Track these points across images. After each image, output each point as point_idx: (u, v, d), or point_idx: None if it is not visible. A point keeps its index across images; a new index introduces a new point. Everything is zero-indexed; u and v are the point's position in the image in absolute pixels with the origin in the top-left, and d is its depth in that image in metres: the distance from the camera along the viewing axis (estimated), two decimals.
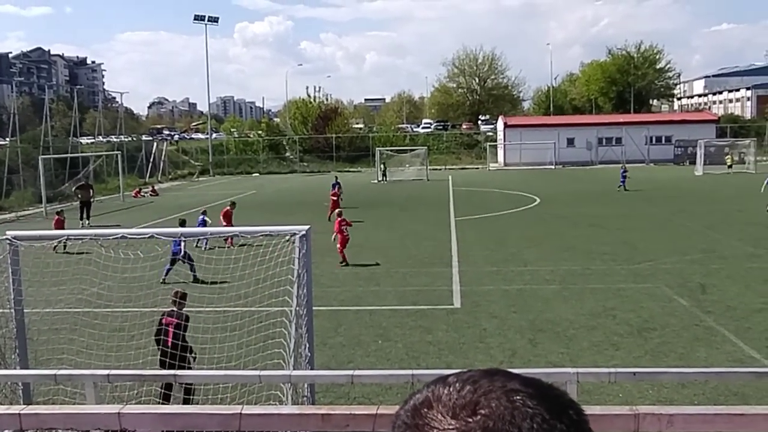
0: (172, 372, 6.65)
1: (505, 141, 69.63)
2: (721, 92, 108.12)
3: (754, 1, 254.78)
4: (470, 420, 0.86)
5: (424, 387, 0.96)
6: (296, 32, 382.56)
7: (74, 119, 56.20)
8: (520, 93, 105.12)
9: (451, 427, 0.86)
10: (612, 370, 6.35)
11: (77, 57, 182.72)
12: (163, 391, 8.91)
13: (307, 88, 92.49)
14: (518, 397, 0.88)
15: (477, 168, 67.29)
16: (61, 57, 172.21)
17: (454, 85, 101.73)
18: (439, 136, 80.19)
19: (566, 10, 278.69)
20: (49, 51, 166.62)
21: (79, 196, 32.98)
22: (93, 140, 66.42)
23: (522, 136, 67.42)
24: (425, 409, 0.91)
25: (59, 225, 24.23)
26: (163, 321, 9.93)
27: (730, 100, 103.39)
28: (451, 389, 0.91)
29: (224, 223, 22.53)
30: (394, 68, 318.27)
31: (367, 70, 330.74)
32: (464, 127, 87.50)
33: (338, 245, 19.97)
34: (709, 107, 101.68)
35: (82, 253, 14.26)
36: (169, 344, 9.36)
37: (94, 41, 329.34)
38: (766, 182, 30.63)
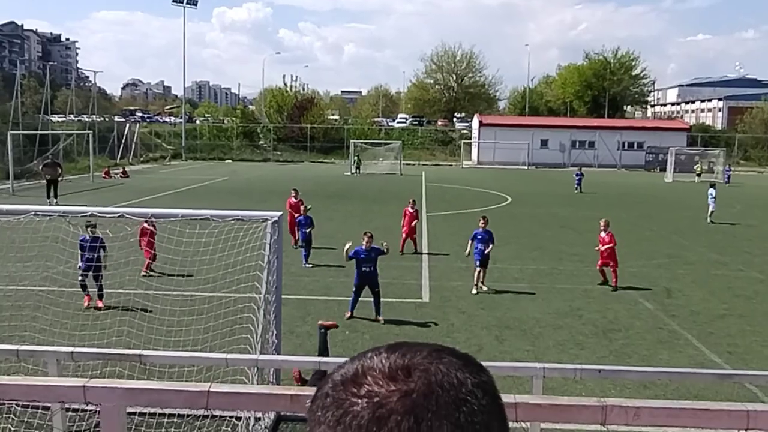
0: (137, 352, 6.57)
1: (479, 139, 69.89)
2: (693, 101, 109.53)
3: (729, 13, 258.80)
4: (410, 379, 0.88)
5: (346, 364, 0.95)
6: (275, 20, 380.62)
7: (46, 96, 55.24)
8: (497, 92, 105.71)
9: (393, 389, 0.87)
10: (578, 366, 6.42)
11: (51, 33, 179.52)
12: None
13: (284, 76, 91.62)
14: (444, 355, 0.93)
15: (450, 165, 67.47)
16: (35, 32, 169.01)
17: (431, 81, 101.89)
18: (414, 131, 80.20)
19: (545, 12, 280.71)
20: (22, 26, 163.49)
21: (46, 174, 32.46)
22: (64, 118, 65.34)
23: (496, 135, 67.73)
24: (360, 380, 0.90)
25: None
26: None
27: (702, 110, 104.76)
28: (378, 359, 0.92)
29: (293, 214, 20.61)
30: (372, 61, 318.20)
31: (345, 61, 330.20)
32: (439, 123, 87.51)
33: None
34: (682, 116, 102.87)
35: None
36: None
37: (69, 18, 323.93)
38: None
